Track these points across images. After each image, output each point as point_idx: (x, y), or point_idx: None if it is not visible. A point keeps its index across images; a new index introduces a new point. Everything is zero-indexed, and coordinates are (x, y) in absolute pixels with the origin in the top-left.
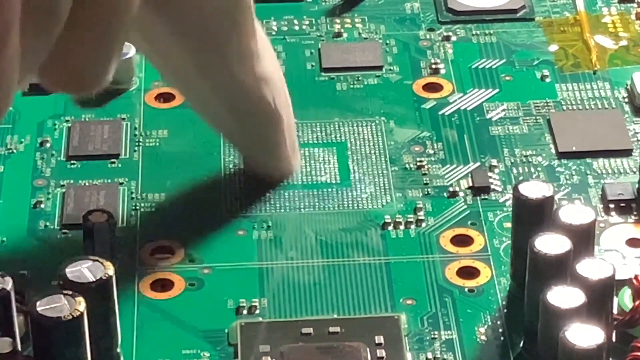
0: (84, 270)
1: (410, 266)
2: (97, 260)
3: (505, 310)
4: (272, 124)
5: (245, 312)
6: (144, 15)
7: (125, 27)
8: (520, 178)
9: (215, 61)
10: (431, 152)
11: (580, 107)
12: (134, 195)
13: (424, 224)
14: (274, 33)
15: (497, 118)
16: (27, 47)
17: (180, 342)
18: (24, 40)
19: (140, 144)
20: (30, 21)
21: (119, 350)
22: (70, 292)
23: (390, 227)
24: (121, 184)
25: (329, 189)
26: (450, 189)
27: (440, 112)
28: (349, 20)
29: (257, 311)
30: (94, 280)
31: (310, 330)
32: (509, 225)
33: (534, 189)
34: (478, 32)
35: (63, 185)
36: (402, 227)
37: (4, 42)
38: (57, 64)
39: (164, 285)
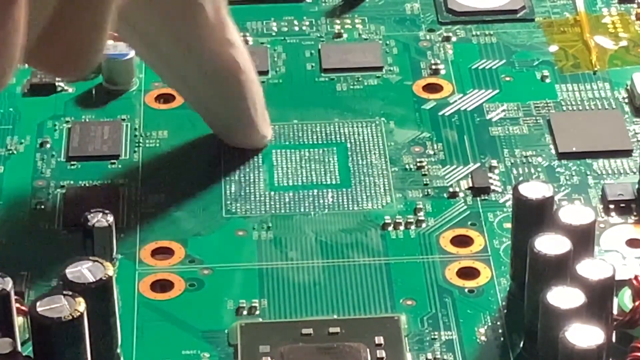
0: (84, 270)
1: (410, 267)
2: (97, 261)
3: (505, 311)
4: (241, 87)
5: (245, 312)
6: None
7: (113, 6)
8: (520, 178)
9: (188, 29)
10: (431, 152)
11: (580, 107)
12: (134, 196)
13: (424, 225)
14: (274, 33)
15: (497, 119)
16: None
17: (180, 342)
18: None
19: (140, 144)
20: None
21: (119, 350)
22: (70, 293)
23: (390, 228)
24: (121, 184)
25: (329, 190)
26: (450, 190)
27: (440, 113)
28: (349, 21)
29: (257, 312)
30: (94, 280)
31: (310, 330)
32: (509, 225)
33: (534, 190)
34: (478, 32)
35: (63, 186)
36: (402, 227)
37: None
38: (47, 45)
39: (163, 285)
